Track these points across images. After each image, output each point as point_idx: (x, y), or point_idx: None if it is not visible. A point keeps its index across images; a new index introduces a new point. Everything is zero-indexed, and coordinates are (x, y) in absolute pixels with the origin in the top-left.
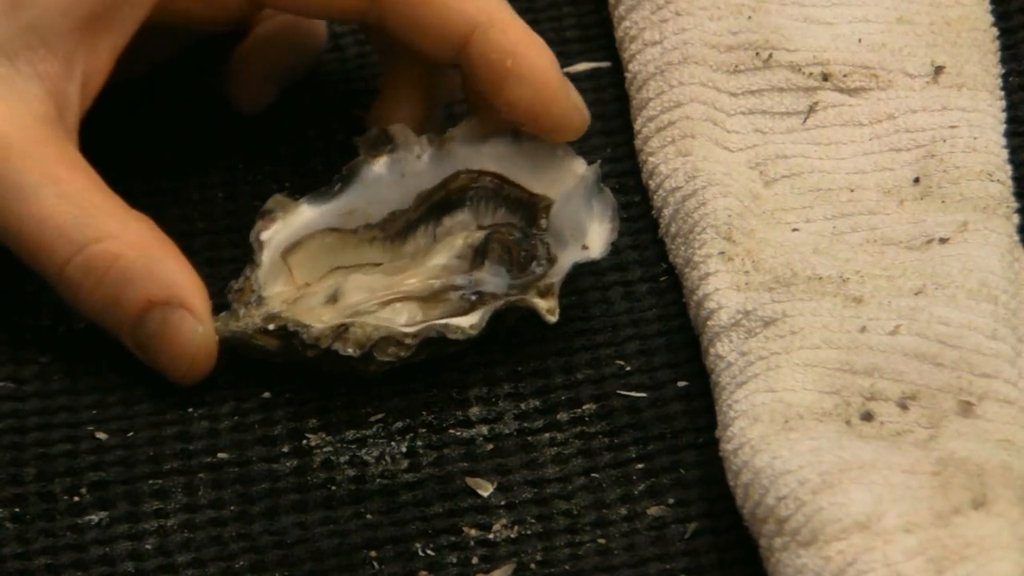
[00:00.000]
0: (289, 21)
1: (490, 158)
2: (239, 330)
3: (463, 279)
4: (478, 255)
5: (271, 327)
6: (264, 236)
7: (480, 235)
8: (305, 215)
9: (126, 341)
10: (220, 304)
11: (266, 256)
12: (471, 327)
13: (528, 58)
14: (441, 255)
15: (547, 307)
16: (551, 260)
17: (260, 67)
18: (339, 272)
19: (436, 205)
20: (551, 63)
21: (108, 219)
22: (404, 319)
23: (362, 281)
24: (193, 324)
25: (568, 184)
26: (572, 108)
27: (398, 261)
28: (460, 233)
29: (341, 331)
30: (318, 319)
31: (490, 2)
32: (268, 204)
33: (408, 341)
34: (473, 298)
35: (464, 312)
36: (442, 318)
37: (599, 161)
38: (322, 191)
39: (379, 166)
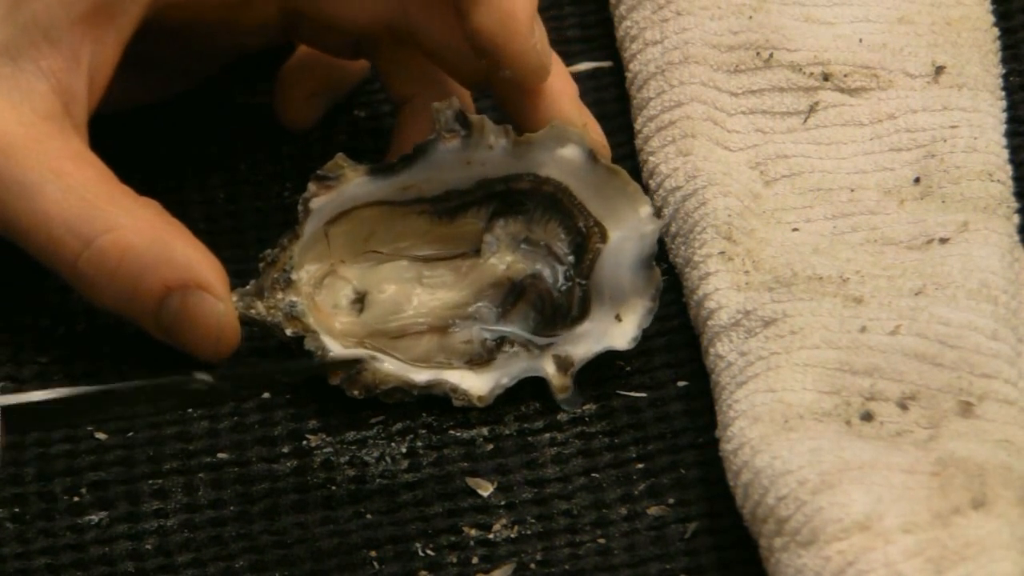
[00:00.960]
0: None
1: (560, 168)
2: (258, 317)
3: (490, 313)
4: (512, 292)
5: (289, 332)
6: (314, 204)
7: (522, 270)
8: (361, 187)
9: (148, 328)
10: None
11: (309, 228)
12: (479, 399)
13: None
14: (476, 281)
15: (560, 386)
16: (581, 315)
17: (306, 85)
18: (374, 258)
19: (494, 195)
20: (526, 2)
21: (114, 209)
22: (421, 349)
23: (391, 287)
24: (213, 303)
25: (627, 224)
26: (531, 48)
27: (438, 247)
28: (505, 257)
29: (353, 374)
30: (337, 324)
31: None
32: (330, 165)
33: (415, 392)
34: (492, 345)
35: (481, 359)
36: (457, 359)
37: (667, 219)
38: (386, 165)
39: (448, 148)
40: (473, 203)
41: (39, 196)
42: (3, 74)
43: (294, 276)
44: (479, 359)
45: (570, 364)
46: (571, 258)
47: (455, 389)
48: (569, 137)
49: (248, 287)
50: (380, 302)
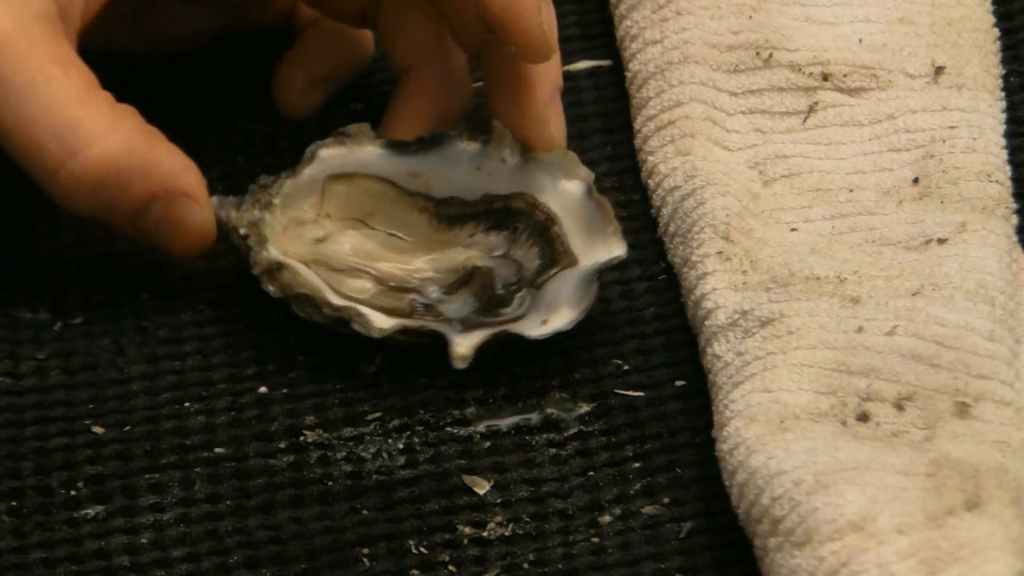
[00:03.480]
0: (336, 28)
1: (558, 197)
2: (223, 219)
3: (434, 292)
4: (462, 279)
5: (241, 231)
6: (322, 153)
7: (479, 263)
8: (372, 154)
9: (120, 227)
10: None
11: (308, 172)
12: (378, 329)
13: None
14: (435, 261)
15: (459, 355)
16: (515, 317)
17: (307, 74)
18: (359, 227)
19: (493, 212)
20: None
21: (99, 119)
22: (354, 287)
23: (358, 239)
24: (197, 210)
25: (597, 259)
26: (536, 27)
27: (424, 242)
28: (472, 252)
29: (274, 268)
30: (290, 246)
31: None
32: (350, 127)
33: (325, 310)
34: (421, 309)
35: (402, 314)
36: (385, 308)
37: (621, 256)
38: (400, 143)
39: (464, 149)
40: (472, 217)
41: (27, 98)
42: None
43: (275, 201)
44: (400, 314)
45: (476, 338)
46: (532, 273)
47: (360, 315)
48: (577, 172)
49: (231, 198)
50: (339, 242)
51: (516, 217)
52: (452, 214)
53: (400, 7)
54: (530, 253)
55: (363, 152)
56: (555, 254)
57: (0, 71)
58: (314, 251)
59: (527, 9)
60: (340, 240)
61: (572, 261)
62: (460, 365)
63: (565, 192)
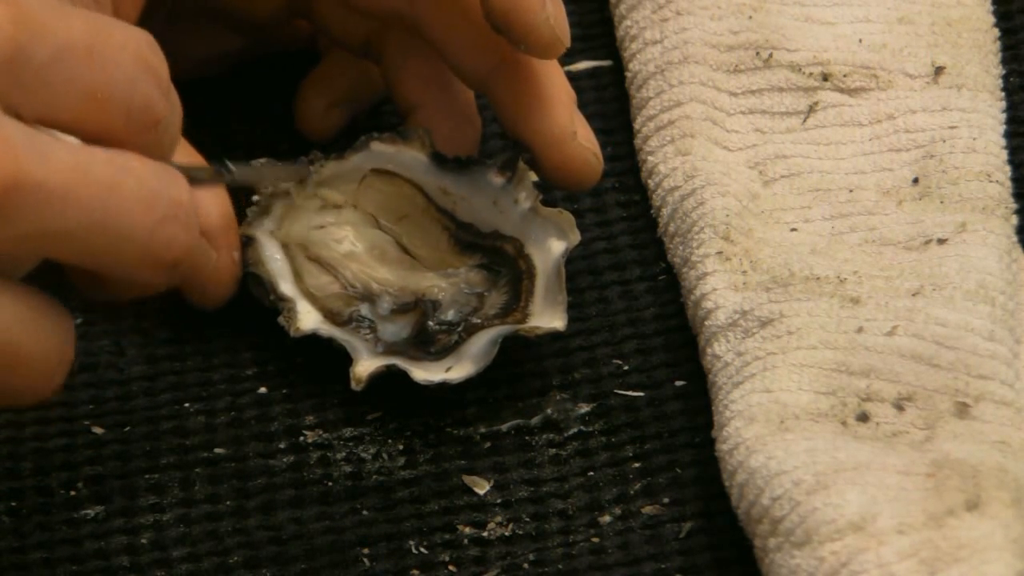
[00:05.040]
0: None
1: (543, 254)
2: (259, 168)
3: (385, 309)
4: (410, 306)
5: (254, 197)
6: (374, 146)
7: (432, 292)
8: (417, 160)
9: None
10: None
11: (355, 159)
12: (295, 328)
13: None
14: (403, 278)
15: (356, 375)
16: (434, 355)
17: (328, 96)
18: (372, 223)
19: (494, 250)
20: None
21: None
22: (314, 281)
23: (357, 236)
24: (208, 254)
25: (539, 323)
26: (542, 22)
27: (428, 260)
28: (443, 282)
29: (244, 241)
30: (286, 224)
31: None
32: (411, 128)
33: (271, 296)
34: (360, 321)
35: (338, 319)
36: (325, 305)
37: (559, 330)
38: (444, 157)
39: (492, 181)
40: (480, 249)
41: None
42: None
43: (316, 178)
44: (336, 318)
45: (374, 366)
46: (482, 319)
47: (291, 309)
48: (566, 235)
49: (279, 163)
50: (334, 234)
51: (504, 261)
52: (466, 240)
53: (401, 46)
54: (499, 300)
55: (409, 155)
56: (513, 307)
57: None
58: (306, 235)
59: (529, 6)
60: (337, 233)
61: (521, 319)
62: (354, 386)
63: (550, 251)
